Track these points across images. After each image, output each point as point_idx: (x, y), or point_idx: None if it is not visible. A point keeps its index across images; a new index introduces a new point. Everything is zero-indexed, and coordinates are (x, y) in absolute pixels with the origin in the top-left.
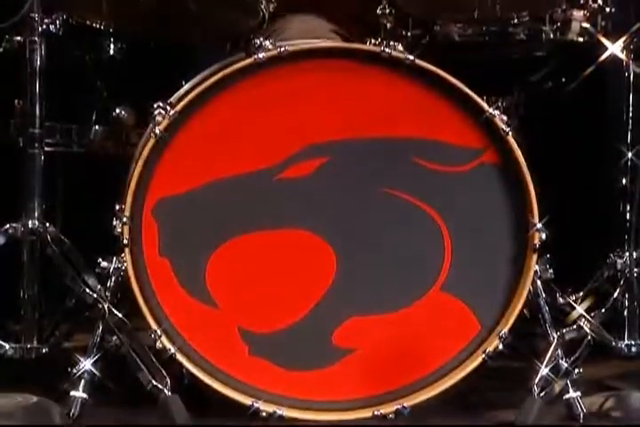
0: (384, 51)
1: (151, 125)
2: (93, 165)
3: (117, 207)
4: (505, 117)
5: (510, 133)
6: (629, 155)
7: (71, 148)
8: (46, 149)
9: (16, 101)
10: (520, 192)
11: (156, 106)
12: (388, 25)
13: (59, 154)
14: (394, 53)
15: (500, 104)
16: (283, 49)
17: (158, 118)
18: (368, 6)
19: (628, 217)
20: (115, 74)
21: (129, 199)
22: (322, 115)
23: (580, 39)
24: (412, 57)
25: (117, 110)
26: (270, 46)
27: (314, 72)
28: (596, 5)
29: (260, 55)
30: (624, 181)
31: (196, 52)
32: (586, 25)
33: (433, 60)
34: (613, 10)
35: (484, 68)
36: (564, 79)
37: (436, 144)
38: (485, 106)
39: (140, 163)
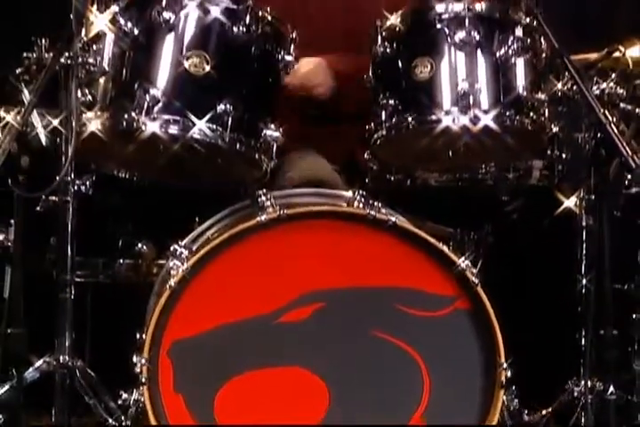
0: (369, 213)
1: (165, 274)
2: (118, 293)
3: (137, 336)
4: (474, 270)
5: (479, 285)
6: (584, 281)
7: (98, 278)
8: (76, 279)
9: (52, 239)
10: (489, 335)
11: (172, 248)
12: (374, 168)
13: (87, 284)
14: (378, 216)
15: (471, 252)
16: (282, 212)
17: (172, 272)
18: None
19: (582, 343)
20: (136, 212)
21: (147, 343)
22: (316, 266)
23: (540, 184)
24: (393, 218)
25: (139, 245)
26: (271, 209)
27: (309, 230)
28: (553, 155)
29: (263, 217)
30: (579, 308)
31: (206, 194)
32: (545, 172)
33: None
34: (569, 156)
35: (458, 205)
36: (527, 214)
37: (415, 292)
38: (457, 259)
39: (157, 311)
